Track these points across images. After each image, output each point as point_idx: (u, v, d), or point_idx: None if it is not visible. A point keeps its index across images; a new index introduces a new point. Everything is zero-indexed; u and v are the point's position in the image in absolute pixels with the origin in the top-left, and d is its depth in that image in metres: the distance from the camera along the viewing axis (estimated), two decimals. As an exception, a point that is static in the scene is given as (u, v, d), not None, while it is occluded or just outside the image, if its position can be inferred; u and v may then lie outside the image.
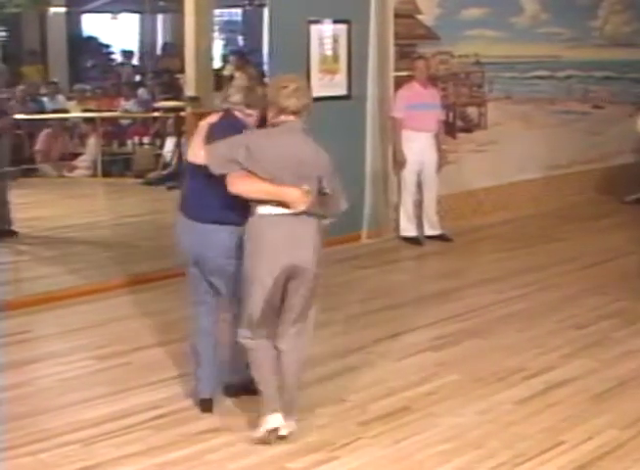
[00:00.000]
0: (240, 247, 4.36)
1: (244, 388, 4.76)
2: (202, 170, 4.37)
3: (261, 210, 4.26)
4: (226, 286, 4.58)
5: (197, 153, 4.53)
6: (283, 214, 4.23)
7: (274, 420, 4.35)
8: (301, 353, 4.46)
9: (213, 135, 4.45)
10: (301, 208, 4.21)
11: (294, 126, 4.32)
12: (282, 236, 4.23)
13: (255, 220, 4.28)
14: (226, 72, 12.14)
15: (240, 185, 4.24)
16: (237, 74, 11.63)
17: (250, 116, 4.57)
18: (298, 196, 4.20)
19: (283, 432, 4.36)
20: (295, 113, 4.30)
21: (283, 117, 4.31)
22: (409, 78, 8.50)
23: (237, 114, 4.59)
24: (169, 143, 11.93)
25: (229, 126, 4.49)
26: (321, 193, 4.31)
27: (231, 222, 4.42)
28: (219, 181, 4.28)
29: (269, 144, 4.28)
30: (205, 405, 4.74)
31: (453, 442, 4.40)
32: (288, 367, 4.40)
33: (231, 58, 12.66)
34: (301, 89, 4.33)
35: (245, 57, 12.12)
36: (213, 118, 4.65)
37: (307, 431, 4.48)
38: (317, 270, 4.33)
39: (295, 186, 4.20)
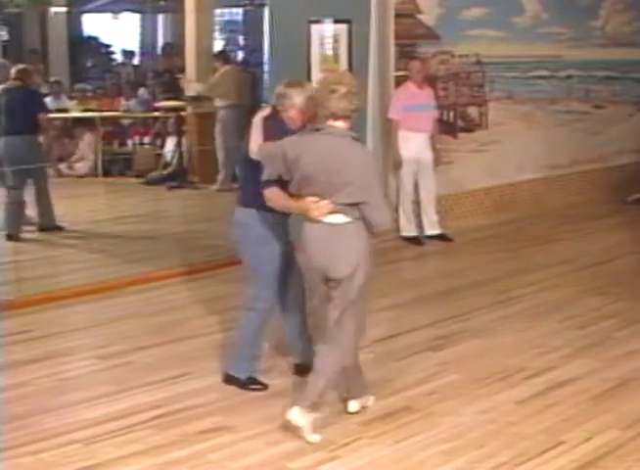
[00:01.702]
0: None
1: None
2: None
3: None
4: None
5: (254, 149, 4.63)
6: (317, 224, 4.28)
7: None
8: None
9: (269, 131, 4.56)
10: (320, 218, 4.23)
11: (335, 132, 4.26)
12: (311, 243, 4.32)
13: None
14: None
15: (273, 201, 4.43)
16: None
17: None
18: (308, 208, 4.23)
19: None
20: (344, 117, 4.27)
21: (330, 122, 4.27)
22: (405, 79, 8.50)
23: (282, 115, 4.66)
24: (170, 143, 11.94)
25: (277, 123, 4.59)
26: (354, 204, 4.21)
27: None
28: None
29: (305, 152, 4.24)
30: None
31: (454, 441, 4.39)
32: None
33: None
34: (352, 92, 4.25)
35: (225, 55, 11.86)
36: (265, 112, 4.68)
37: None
38: (353, 278, 4.26)
39: (322, 195, 4.19)
